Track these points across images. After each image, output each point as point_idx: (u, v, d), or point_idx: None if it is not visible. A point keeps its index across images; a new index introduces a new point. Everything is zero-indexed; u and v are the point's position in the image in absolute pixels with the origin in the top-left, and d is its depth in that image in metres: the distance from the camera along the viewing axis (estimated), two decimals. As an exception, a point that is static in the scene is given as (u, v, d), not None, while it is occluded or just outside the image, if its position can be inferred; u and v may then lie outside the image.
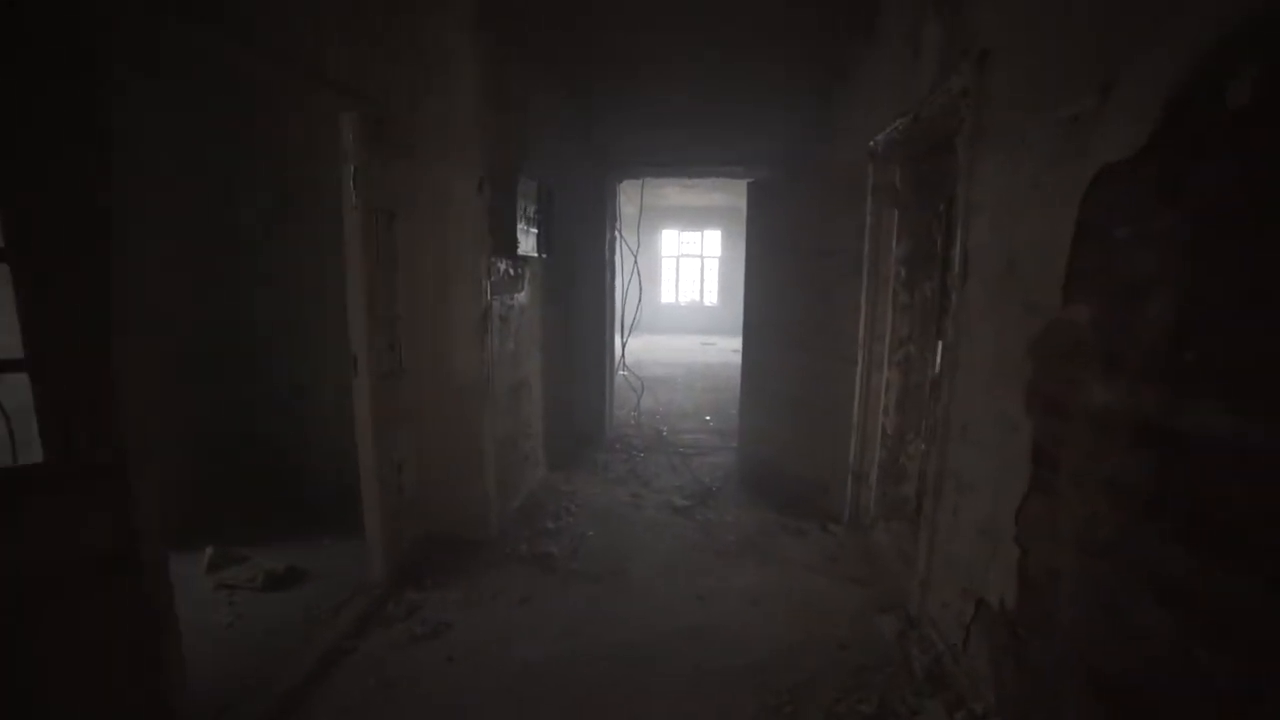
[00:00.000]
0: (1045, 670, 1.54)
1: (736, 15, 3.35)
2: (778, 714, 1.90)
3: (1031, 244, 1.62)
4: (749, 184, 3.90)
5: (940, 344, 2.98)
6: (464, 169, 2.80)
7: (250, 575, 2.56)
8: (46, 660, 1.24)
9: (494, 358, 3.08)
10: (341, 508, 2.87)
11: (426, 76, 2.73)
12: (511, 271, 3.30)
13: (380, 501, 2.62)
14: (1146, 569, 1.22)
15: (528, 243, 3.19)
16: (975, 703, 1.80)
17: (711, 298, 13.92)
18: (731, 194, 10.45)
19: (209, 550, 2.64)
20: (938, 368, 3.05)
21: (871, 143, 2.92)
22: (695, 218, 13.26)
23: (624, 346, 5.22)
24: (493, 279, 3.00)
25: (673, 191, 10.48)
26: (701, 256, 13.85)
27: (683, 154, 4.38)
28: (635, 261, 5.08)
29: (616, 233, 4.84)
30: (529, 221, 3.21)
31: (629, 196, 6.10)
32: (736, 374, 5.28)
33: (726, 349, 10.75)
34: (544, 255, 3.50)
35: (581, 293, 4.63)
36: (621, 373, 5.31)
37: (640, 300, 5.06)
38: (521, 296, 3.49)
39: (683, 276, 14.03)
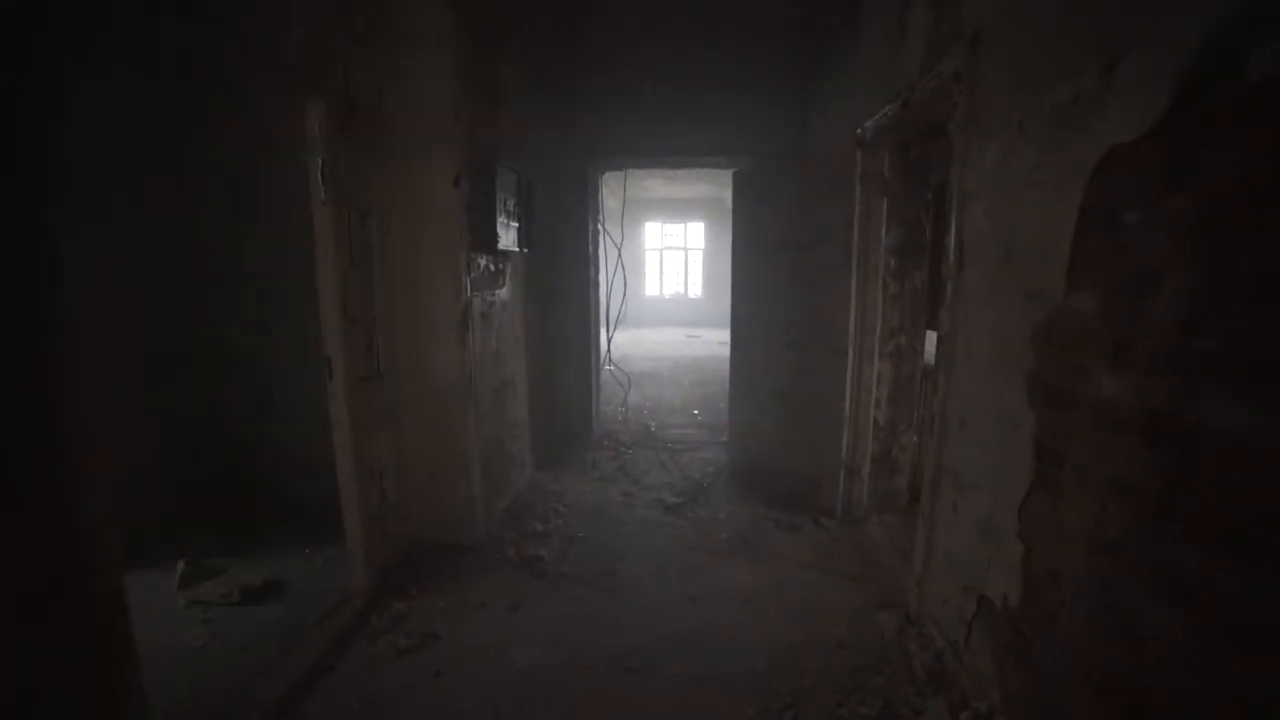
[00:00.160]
0: (1050, 669, 1.50)
1: (719, 3, 3.26)
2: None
3: (1031, 230, 1.57)
4: (734, 174, 3.82)
5: (935, 335, 2.95)
6: (440, 161, 2.68)
7: (225, 590, 2.45)
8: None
9: (476, 357, 2.98)
10: (322, 514, 2.76)
11: (398, 62, 2.60)
12: (492, 267, 3.20)
13: (361, 509, 2.52)
14: (1156, 568, 1.18)
15: (508, 237, 3.09)
16: (979, 701, 1.76)
17: (696, 290, 13.89)
18: (715, 185, 10.39)
19: (181, 565, 2.52)
20: (932, 359, 3.02)
21: (859, 130, 2.86)
22: (678, 209, 13.18)
23: (609, 341, 5.13)
24: (472, 275, 2.90)
25: (655, 183, 10.37)
26: (685, 249, 13.79)
27: (666, 144, 4.28)
28: (619, 254, 4.99)
29: (600, 225, 4.74)
30: (509, 215, 3.10)
31: (611, 189, 6.00)
32: (723, 367, 5.22)
33: (712, 341, 10.72)
34: (525, 250, 3.39)
35: (565, 287, 4.53)
36: (608, 368, 5.22)
37: (625, 294, 4.97)
38: (503, 293, 3.38)
39: (667, 269, 13.95)
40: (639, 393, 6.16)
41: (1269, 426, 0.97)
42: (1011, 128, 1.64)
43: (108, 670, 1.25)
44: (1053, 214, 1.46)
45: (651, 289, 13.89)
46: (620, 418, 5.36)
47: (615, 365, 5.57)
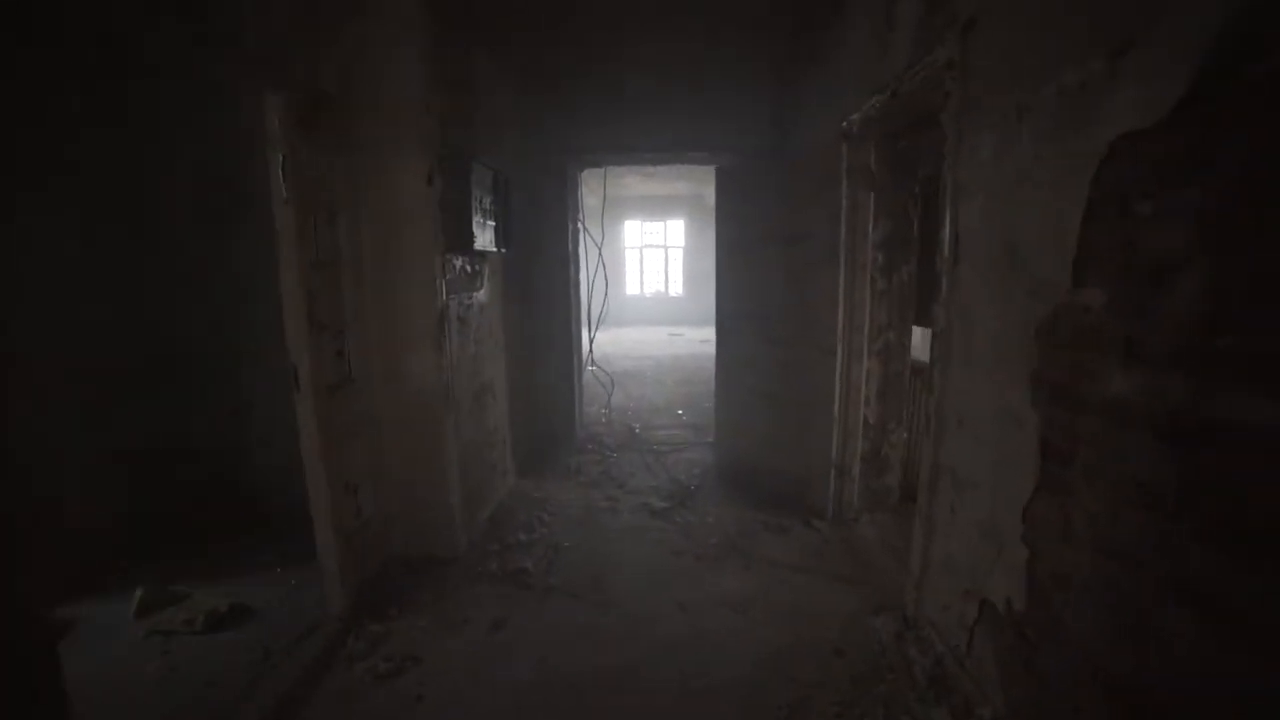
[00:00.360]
0: (1058, 675, 1.45)
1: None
2: (778, 734, 1.78)
3: (1033, 223, 1.51)
4: (717, 170, 3.75)
5: (923, 330, 2.91)
6: (411, 157, 2.55)
7: (188, 617, 2.29)
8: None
9: (454, 362, 2.86)
10: (295, 532, 2.61)
11: (366, 53, 2.47)
12: (469, 268, 3.07)
13: (334, 526, 2.38)
14: (1171, 569, 1.13)
15: (485, 237, 2.97)
16: (983, 708, 1.71)
17: (677, 288, 13.82)
18: (695, 182, 10.33)
19: (138, 591, 2.35)
20: (921, 356, 2.98)
21: (845, 123, 2.80)
22: (658, 207, 13.10)
23: (591, 341, 5.03)
24: (448, 277, 2.77)
25: (635, 181, 10.27)
26: (665, 246, 13.71)
27: (648, 140, 4.19)
28: (600, 253, 4.88)
29: (580, 224, 4.63)
30: (485, 214, 2.98)
31: (591, 188, 5.88)
32: (707, 365, 5.14)
33: (695, 339, 10.67)
34: (503, 250, 3.27)
35: (545, 288, 4.41)
36: (590, 369, 5.12)
37: (606, 293, 4.87)
38: (481, 295, 3.26)
39: (647, 267, 13.86)
40: (622, 393, 6.06)
41: (1295, 425, 0.92)
42: (1009, 117, 1.58)
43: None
44: (1056, 206, 1.41)
45: (632, 288, 13.78)
46: (604, 419, 5.26)
47: (597, 366, 5.46)
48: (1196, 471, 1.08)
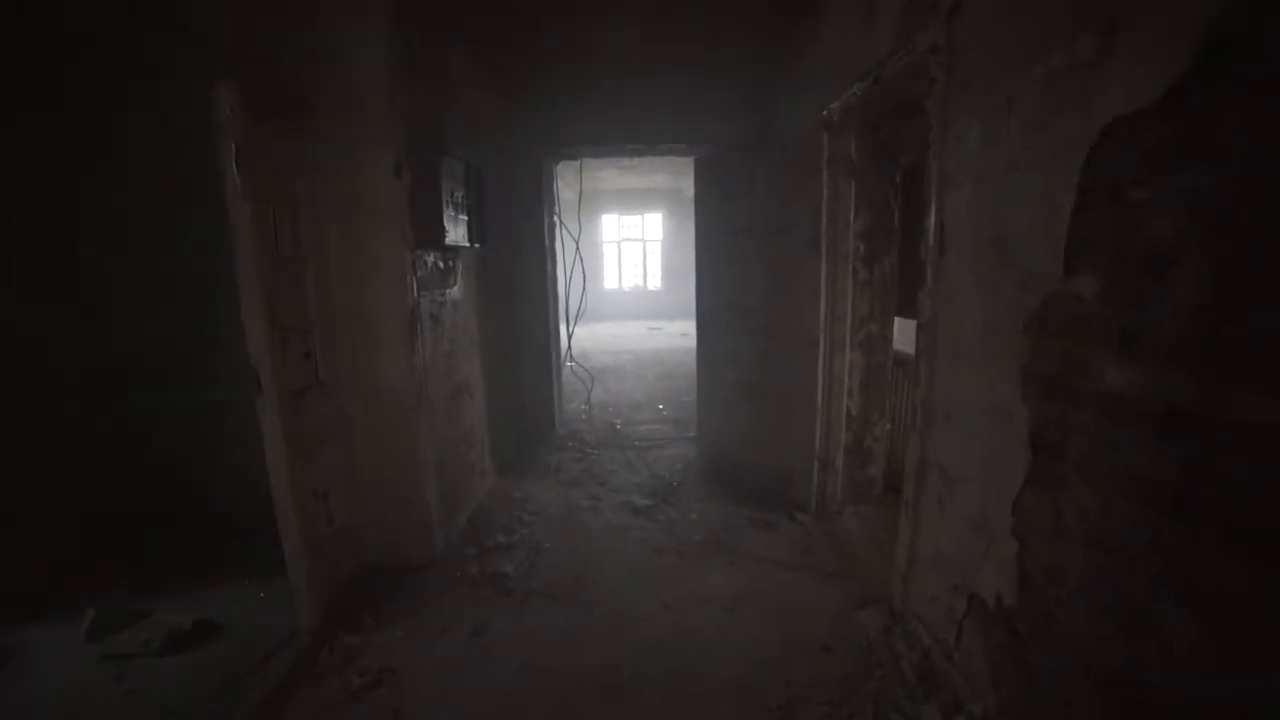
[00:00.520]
0: (1050, 670, 1.43)
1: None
2: (768, 738, 1.74)
3: (1022, 211, 1.48)
4: (696, 161, 3.68)
5: (905, 322, 2.89)
6: (377, 149, 2.43)
7: (146, 637, 2.16)
8: None
9: (427, 361, 2.75)
10: (266, 541, 2.48)
11: (327, 38, 2.33)
12: (441, 264, 2.96)
13: (302, 536, 2.27)
14: (1170, 568, 1.11)
15: (457, 232, 2.86)
16: (973, 704, 1.69)
17: (656, 282, 13.76)
18: (672, 174, 10.26)
19: (89, 613, 2.21)
20: (903, 347, 2.97)
21: (825, 111, 2.76)
22: (635, 200, 13.00)
23: (570, 337, 4.94)
24: (419, 274, 2.66)
25: (611, 174, 10.16)
26: (643, 240, 13.62)
27: (624, 131, 4.10)
28: (577, 247, 4.79)
29: (556, 218, 4.53)
30: (457, 208, 2.87)
31: (567, 181, 5.77)
32: (687, 359, 5.08)
33: (674, 333, 10.63)
34: (477, 245, 3.16)
35: (522, 283, 4.31)
36: (569, 365, 5.03)
37: (584, 288, 4.78)
38: (454, 291, 3.15)
39: (625, 261, 13.76)
40: (602, 389, 5.99)
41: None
42: (997, 102, 1.54)
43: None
44: (1046, 193, 1.38)
45: (611, 282, 13.68)
46: (584, 416, 5.19)
47: (576, 362, 5.38)
48: (1195, 467, 1.05)
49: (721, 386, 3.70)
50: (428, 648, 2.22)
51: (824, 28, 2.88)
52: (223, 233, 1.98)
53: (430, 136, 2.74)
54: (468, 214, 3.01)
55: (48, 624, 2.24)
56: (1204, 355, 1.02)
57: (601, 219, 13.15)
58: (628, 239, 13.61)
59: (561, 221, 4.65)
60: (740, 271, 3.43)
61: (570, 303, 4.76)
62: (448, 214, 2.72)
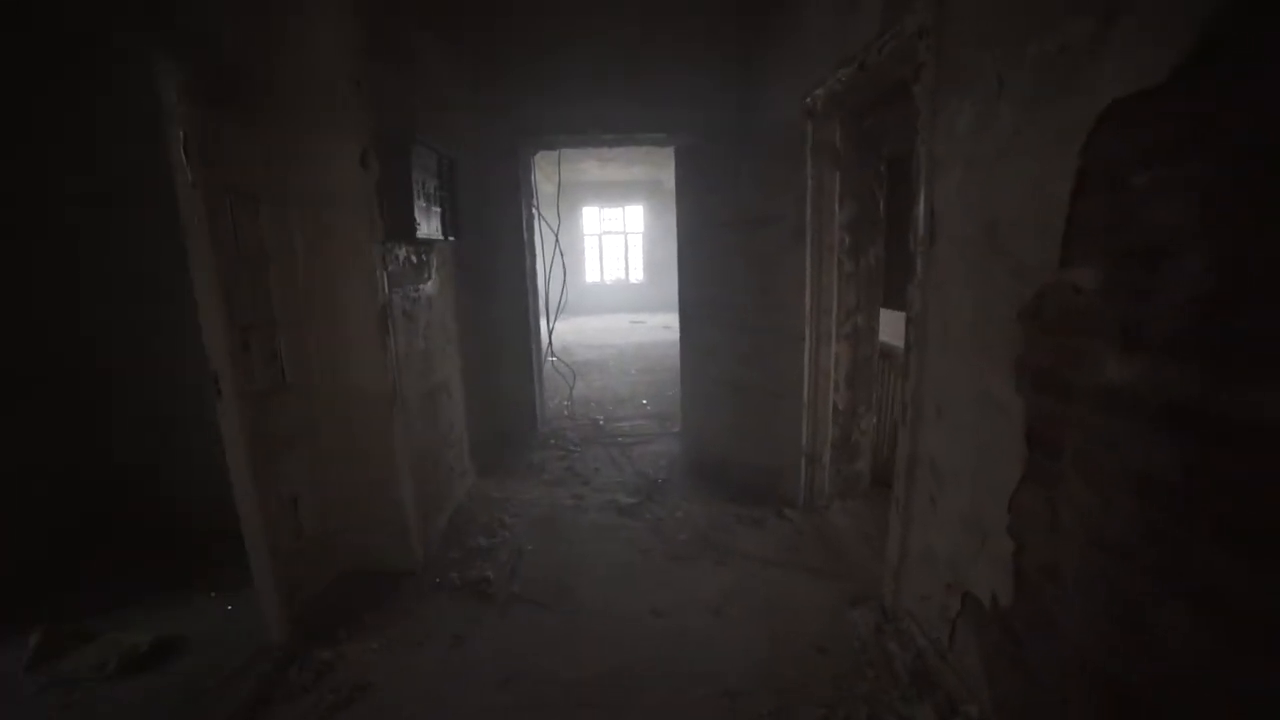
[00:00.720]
0: (1046, 670, 1.40)
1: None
2: (760, 745, 1.69)
3: (1016, 199, 1.43)
4: (676, 151, 3.59)
5: (891, 314, 2.86)
6: (343, 136, 2.30)
7: (98, 660, 2.03)
8: None
9: (400, 360, 2.64)
10: (232, 551, 2.36)
11: (285, 20, 2.20)
12: (414, 259, 2.84)
13: (269, 546, 2.16)
14: (1169, 565, 1.07)
15: (430, 224, 2.74)
16: (968, 704, 1.66)
17: (638, 275, 13.66)
18: (653, 166, 10.15)
19: (35, 635, 2.06)
20: (889, 339, 2.93)
21: (809, 99, 2.69)
22: (616, 193, 12.87)
23: (551, 332, 4.84)
24: (390, 269, 2.54)
25: (592, 166, 10.02)
26: (625, 233, 13.51)
27: (602, 121, 3.99)
28: (556, 240, 4.68)
29: (534, 210, 4.41)
30: (430, 199, 2.75)
31: (546, 174, 5.65)
32: (670, 353, 5.01)
33: (656, 326, 10.57)
34: (451, 238, 3.05)
35: (500, 278, 4.19)
36: (550, 360, 4.93)
37: (564, 281, 4.67)
38: (429, 287, 3.03)
39: (607, 254, 13.64)
40: (584, 384, 5.90)
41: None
42: (989, 86, 1.49)
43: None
44: (1042, 180, 1.32)
45: (592, 275, 13.55)
46: (566, 412, 5.10)
47: (558, 357, 5.29)
48: (1196, 463, 1.01)
49: (705, 381, 3.64)
50: (405, 660, 2.13)
51: (806, 11, 2.81)
52: (162, 225, 1.85)
53: (400, 125, 2.61)
54: (441, 206, 2.89)
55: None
56: (1208, 348, 0.98)
57: (582, 212, 12.99)
58: (609, 232, 13.48)
59: (540, 214, 4.54)
60: (723, 264, 3.37)
61: (551, 297, 4.66)
62: (419, 206, 2.61)
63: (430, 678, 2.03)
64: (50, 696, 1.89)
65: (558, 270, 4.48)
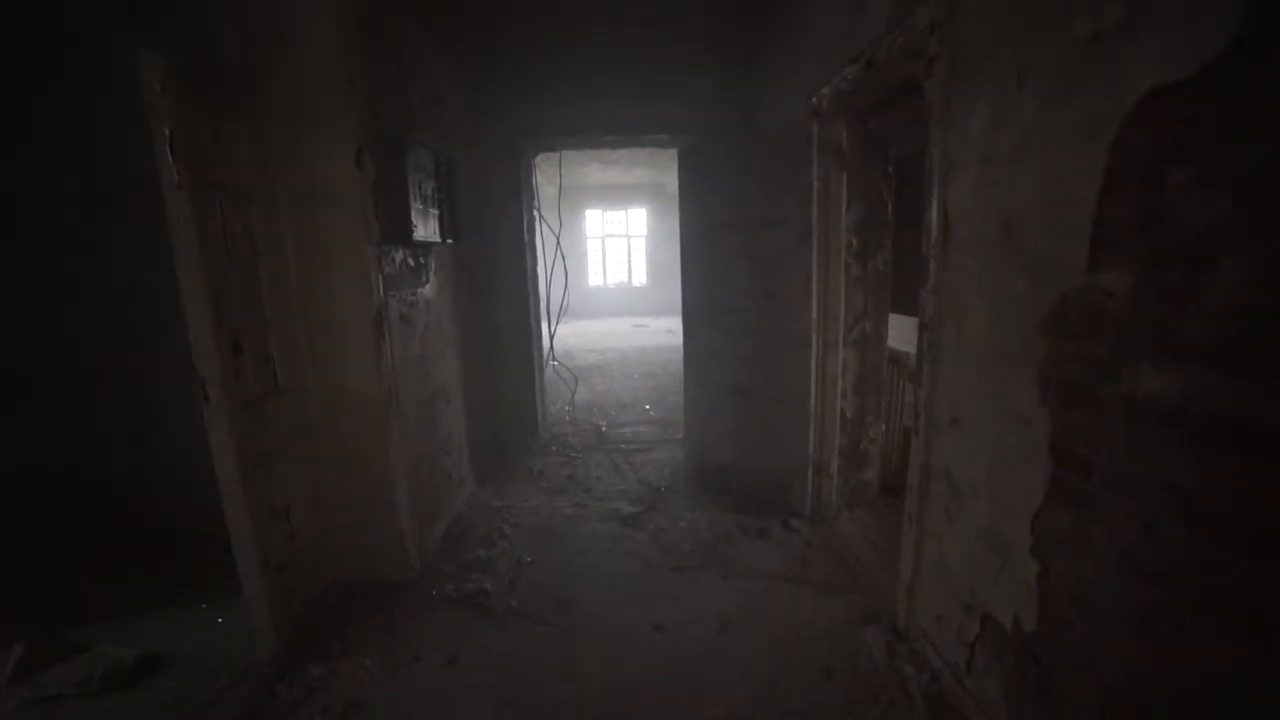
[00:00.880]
0: (1074, 704, 1.31)
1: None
2: (767, 774, 1.61)
3: (1038, 198, 1.35)
4: (679, 152, 3.52)
5: (901, 319, 2.78)
6: (335, 135, 2.24)
7: (83, 675, 1.96)
8: None
9: (397, 365, 2.57)
10: (224, 561, 2.29)
11: (275, 14, 2.14)
12: (412, 262, 2.78)
13: (260, 557, 2.09)
14: (1223, 599, 0.98)
15: (427, 227, 2.68)
16: (987, 732, 1.57)
17: (640, 278, 13.60)
18: (656, 169, 10.10)
19: (17, 649, 2.00)
20: (898, 345, 2.85)
21: (814, 98, 2.62)
22: (619, 196, 12.82)
23: (552, 336, 4.77)
24: (386, 272, 2.48)
25: (594, 169, 9.97)
26: (628, 236, 13.45)
27: (603, 122, 3.93)
28: (558, 242, 4.62)
29: (535, 212, 4.35)
30: (427, 201, 2.69)
31: (548, 176, 5.59)
32: (673, 357, 4.92)
33: (660, 330, 10.50)
34: (449, 241, 2.98)
35: (501, 281, 4.13)
36: (552, 364, 4.86)
37: (566, 285, 4.61)
38: (427, 290, 2.97)
39: (610, 257, 13.58)
40: (587, 389, 5.83)
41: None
42: (1008, 80, 1.41)
43: None
44: (1066, 177, 1.25)
45: (595, 278, 13.50)
46: (568, 418, 5.02)
47: (559, 361, 5.22)
48: (1251, 484, 0.93)
49: (709, 387, 3.56)
50: (399, 678, 2.05)
51: (811, 9, 2.74)
52: (153, 226, 1.79)
53: (397, 125, 2.55)
54: (439, 208, 2.83)
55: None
56: (1258, 357, 0.89)
57: (585, 215, 12.95)
58: (612, 235, 13.43)
59: (541, 215, 4.48)
60: (726, 267, 3.29)
61: (551, 300, 4.59)
62: (416, 207, 2.55)
63: (425, 697, 1.95)
64: (32, 713, 1.82)
65: (559, 273, 4.42)
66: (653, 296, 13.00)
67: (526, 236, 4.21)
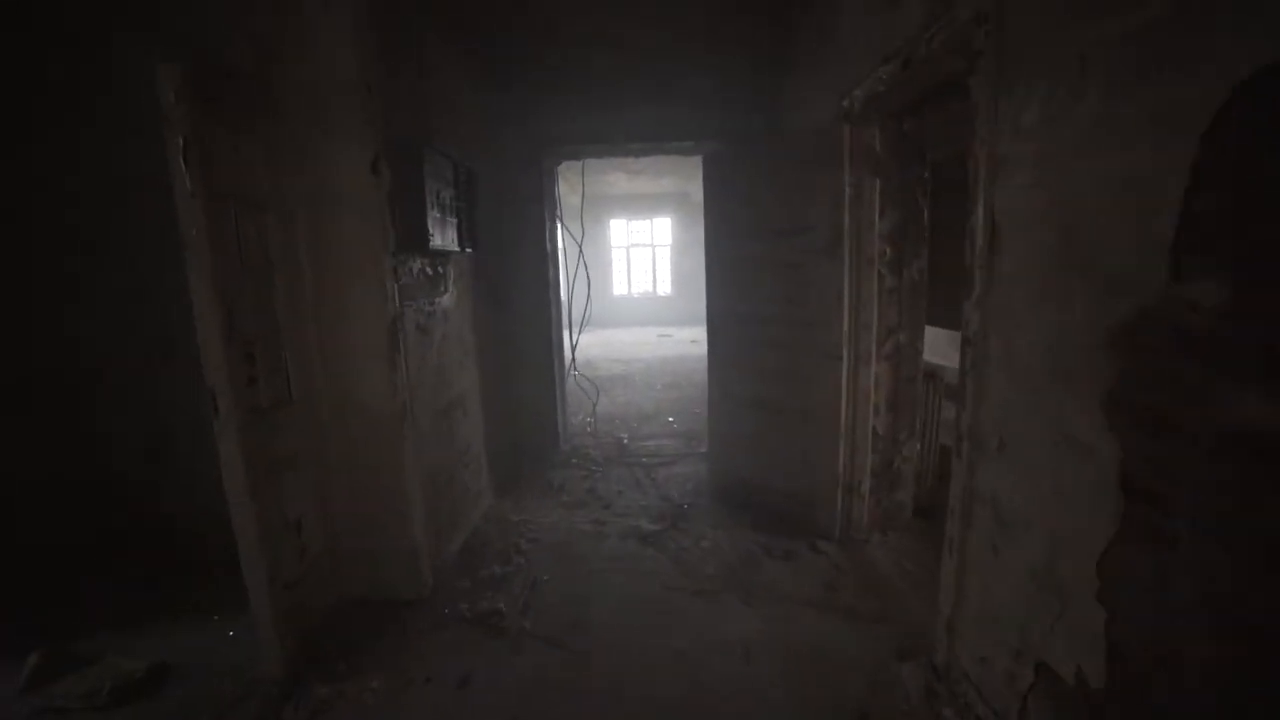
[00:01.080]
0: (1150, 769, 1.15)
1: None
2: (794, 830, 1.47)
3: (1105, 200, 1.21)
4: (704, 159, 3.43)
5: (939, 332, 2.62)
6: (351, 143, 2.21)
7: (92, 687, 1.93)
8: None
9: (413, 376, 2.52)
10: (237, 572, 2.26)
11: (289, 21, 2.12)
12: (429, 271, 2.73)
13: (268, 572, 2.04)
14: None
15: (445, 235, 2.63)
16: (1042, 795, 1.40)
17: (665, 287, 13.51)
18: (681, 178, 10.03)
19: (32, 657, 1.98)
20: (934, 359, 2.69)
21: (845, 101, 2.49)
22: (644, 205, 12.78)
23: (574, 346, 4.70)
24: (402, 281, 2.43)
25: (619, 178, 9.95)
26: (652, 245, 13.39)
27: (625, 129, 3.86)
28: (580, 251, 4.55)
29: (558, 220, 4.30)
30: (445, 210, 2.64)
31: (571, 185, 5.56)
32: (697, 367, 4.80)
33: (684, 340, 10.37)
34: (469, 249, 2.93)
35: (521, 290, 4.08)
36: (573, 375, 4.79)
37: (589, 294, 4.54)
38: (445, 300, 2.92)
39: (634, 267, 13.54)
40: (608, 400, 5.74)
41: None
42: (1067, 69, 1.27)
43: None
44: (1140, 175, 1.11)
45: (620, 288, 13.46)
46: (589, 430, 4.93)
47: (581, 372, 5.14)
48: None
49: (734, 401, 3.43)
50: (407, 701, 1.97)
51: (841, 10, 2.62)
52: (166, 234, 1.76)
53: (414, 132, 2.51)
54: (457, 216, 2.78)
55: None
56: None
57: (609, 224, 12.94)
58: (636, 244, 13.39)
59: (564, 225, 4.42)
60: (753, 277, 3.17)
61: (575, 309, 4.53)
62: (433, 216, 2.50)
63: (432, 723, 1.87)
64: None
65: (581, 282, 4.35)
66: (678, 306, 12.90)
67: (548, 245, 4.15)
